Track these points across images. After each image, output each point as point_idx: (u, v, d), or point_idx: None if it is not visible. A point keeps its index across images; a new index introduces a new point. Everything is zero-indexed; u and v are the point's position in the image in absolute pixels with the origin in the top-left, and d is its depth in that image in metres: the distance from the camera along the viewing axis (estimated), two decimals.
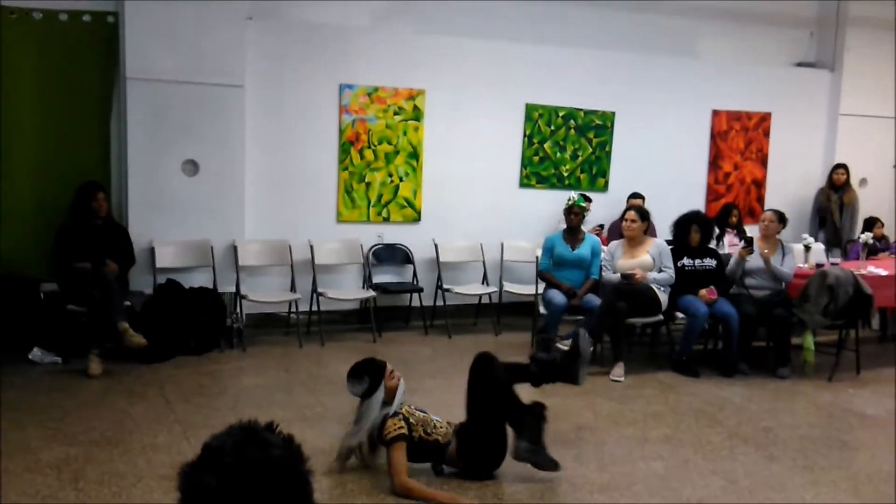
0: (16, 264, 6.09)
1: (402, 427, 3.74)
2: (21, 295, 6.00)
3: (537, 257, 6.64)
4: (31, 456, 3.92)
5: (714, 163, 8.76)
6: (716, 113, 8.68)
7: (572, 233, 6.45)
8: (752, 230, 7.67)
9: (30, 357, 5.70)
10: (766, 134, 8.97)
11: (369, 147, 7.19)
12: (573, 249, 6.40)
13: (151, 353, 5.69)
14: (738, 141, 8.85)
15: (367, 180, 7.22)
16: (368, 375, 3.90)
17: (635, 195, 7.70)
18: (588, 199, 7.41)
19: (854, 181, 8.86)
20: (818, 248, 7.87)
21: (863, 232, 8.32)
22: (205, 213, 6.48)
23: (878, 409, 5.38)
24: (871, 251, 7.97)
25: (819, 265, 6.73)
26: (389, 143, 7.25)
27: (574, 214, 6.40)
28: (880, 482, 4.07)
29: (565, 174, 8.02)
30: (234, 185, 6.58)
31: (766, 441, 4.63)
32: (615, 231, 7.44)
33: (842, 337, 6.34)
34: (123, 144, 6.29)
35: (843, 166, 8.73)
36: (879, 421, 5.16)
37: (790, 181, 8.95)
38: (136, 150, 6.26)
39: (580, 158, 8.06)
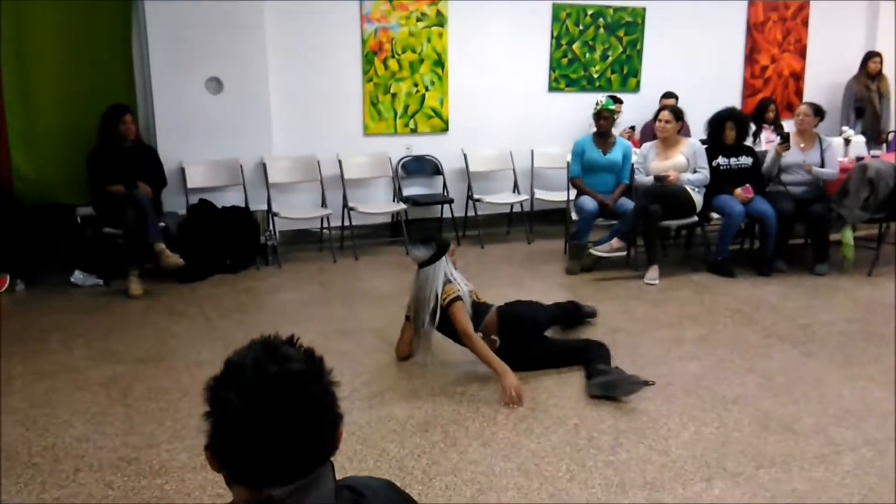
0: (51, 191, 6.15)
1: (458, 290, 3.92)
2: (58, 221, 6.10)
3: (568, 163, 6.54)
4: (80, 375, 4.04)
5: (750, 56, 8.47)
6: (752, 3, 8.34)
7: (603, 137, 6.32)
8: (790, 125, 7.46)
9: (72, 280, 5.82)
10: (805, 23, 8.62)
11: (393, 56, 7.05)
12: (604, 154, 6.29)
13: (189, 273, 5.79)
14: (776, 32, 8.52)
15: (392, 91, 7.11)
16: (436, 244, 4.02)
17: (668, 94, 7.51)
18: (618, 101, 7.25)
19: (890, 70, 8.51)
20: (858, 140, 7.65)
21: None
22: (232, 131, 6.46)
23: None
24: None
25: (859, 158, 6.55)
26: (413, 52, 7.10)
27: (603, 119, 6.26)
28: None
29: (595, 76, 7.82)
30: (258, 101, 6.53)
31: (804, 338, 4.61)
32: (648, 132, 7.29)
33: (881, 231, 6.22)
34: (146, 66, 6.24)
35: (878, 54, 8.38)
36: None
37: (830, 73, 8.64)
38: (159, 70, 6.21)
39: (610, 59, 7.84)
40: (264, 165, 6.58)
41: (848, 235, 6.15)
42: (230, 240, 6.18)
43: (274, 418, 1.09)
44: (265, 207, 6.53)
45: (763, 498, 2.84)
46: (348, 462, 3.07)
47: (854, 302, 5.38)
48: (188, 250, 5.80)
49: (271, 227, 6.54)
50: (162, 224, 5.81)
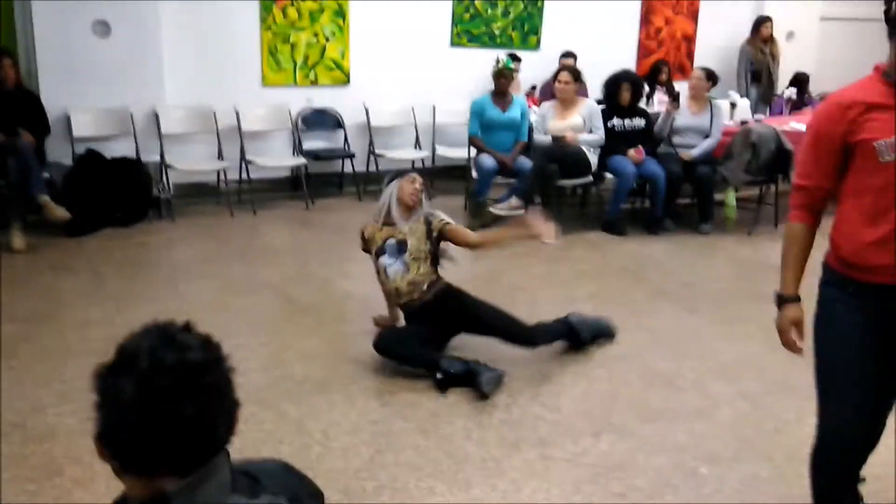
0: None
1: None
2: None
3: (469, 121, 6.57)
4: None
5: (646, 18, 8.67)
6: None
7: (501, 95, 6.37)
8: (681, 87, 7.71)
9: None
10: None
11: (292, 4, 6.86)
12: (503, 112, 6.35)
13: (76, 227, 5.55)
14: None
15: (291, 41, 6.93)
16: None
17: (567, 54, 7.61)
18: (517, 59, 7.30)
19: (779, 35, 8.88)
20: (744, 104, 7.99)
21: (788, 87, 8.46)
22: (121, 77, 6.16)
23: None
24: (794, 107, 8.15)
25: (744, 122, 6.86)
26: (314, 0, 6.93)
27: (504, 77, 6.30)
28: None
29: (497, 32, 7.84)
30: (149, 46, 6.23)
31: (687, 295, 4.86)
32: (547, 91, 7.39)
33: (762, 192, 6.56)
34: (28, 7, 5.85)
35: (769, 19, 8.72)
36: None
37: (720, 36, 8.94)
38: (42, 11, 5.83)
39: (511, 15, 7.87)
40: (156, 115, 6.33)
41: (731, 197, 6.46)
42: (120, 192, 5.94)
43: (170, 409, 1.07)
44: (158, 159, 6.30)
45: (646, 451, 3.01)
46: (245, 425, 3.04)
47: (735, 261, 5.69)
48: (75, 203, 5.56)
49: (164, 180, 6.32)
50: (46, 175, 5.54)
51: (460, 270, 4.02)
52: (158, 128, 6.32)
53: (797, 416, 3.27)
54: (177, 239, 5.77)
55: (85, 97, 6.07)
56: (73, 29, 5.95)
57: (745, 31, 8.90)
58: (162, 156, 6.30)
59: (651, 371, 3.72)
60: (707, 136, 6.36)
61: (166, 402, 1.07)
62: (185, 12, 6.44)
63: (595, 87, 7.01)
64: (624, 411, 3.33)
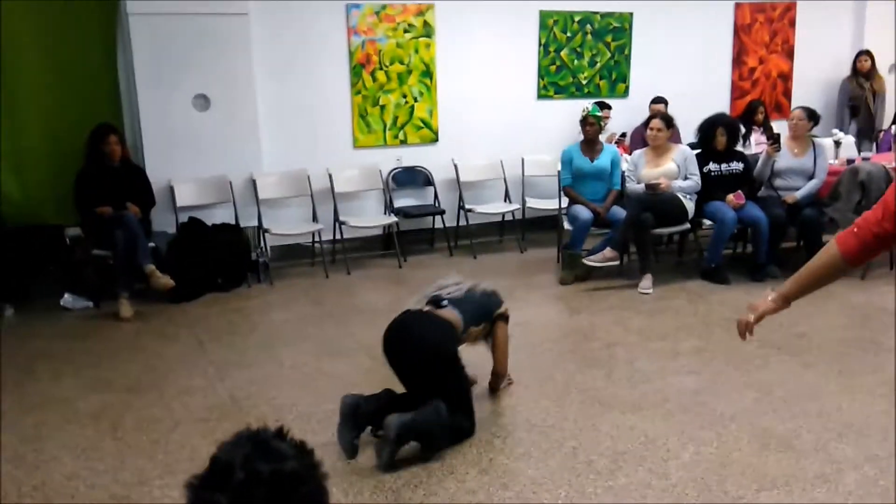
0: (38, 212, 6.09)
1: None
2: (47, 242, 6.04)
3: (559, 171, 6.51)
4: (69, 406, 3.98)
5: (738, 58, 8.46)
6: (738, 6, 8.32)
7: (590, 144, 6.29)
8: (778, 126, 7.45)
9: (61, 303, 5.76)
10: (792, 24, 8.62)
11: (381, 68, 7.00)
12: (592, 161, 6.25)
13: (180, 293, 5.73)
14: (763, 33, 8.51)
15: (381, 103, 7.07)
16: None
17: (658, 100, 7.48)
18: (606, 107, 7.23)
19: (882, 68, 8.51)
20: (848, 141, 7.65)
21: (894, 122, 8.06)
22: (220, 147, 6.40)
23: None
24: None
25: (850, 160, 6.54)
26: (401, 63, 7.06)
27: (589, 125, 6.22)
28: None
29: (584, 82, 7.79)
30: (246, 116, 6.47)
31: (800, 348, 4.59)
32: (638, 138, 7.26)
33: None
34: (132, 84, 6.18)
35: (867, 52, 8.39)
36: None
37: (818, 72, 8.64)
38: (146, 88, 6.15)
39: (598, 65, 7.81)
40: (254, 181, 6.53)
41: None
42: (221, 258, 6.12)
43: None
44: (255, 224, 6.48)
45: None
46: (344, 496, 3.02)
47: (849, 307, 5.36)
48: (179, 270, 5.75)
49: (262, 244, 6.48)
50: (152, 244, 5.75)
51: (554, 329, 3.92)
52: (256, 193, 6.51)
53: None
54: (274, 302, 5.87)
55: (187, 167, 6.32)
56: (175, 103, 6.23)
57: (845, 66, 8.57)
58: (259, 220, 6.47)
59: (765, 433, 3.50)
60: (811, 178, 6.09)
61: None
62: (280, 83, 6.67)
63: (687, 133, 6.85)
64: (738, 478, 3.12)
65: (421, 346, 3.42)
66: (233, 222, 6.39)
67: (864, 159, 6.50)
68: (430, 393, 3.34)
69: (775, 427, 3.55)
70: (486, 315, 3.79)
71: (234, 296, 6.02)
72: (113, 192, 5.68)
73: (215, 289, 6.05)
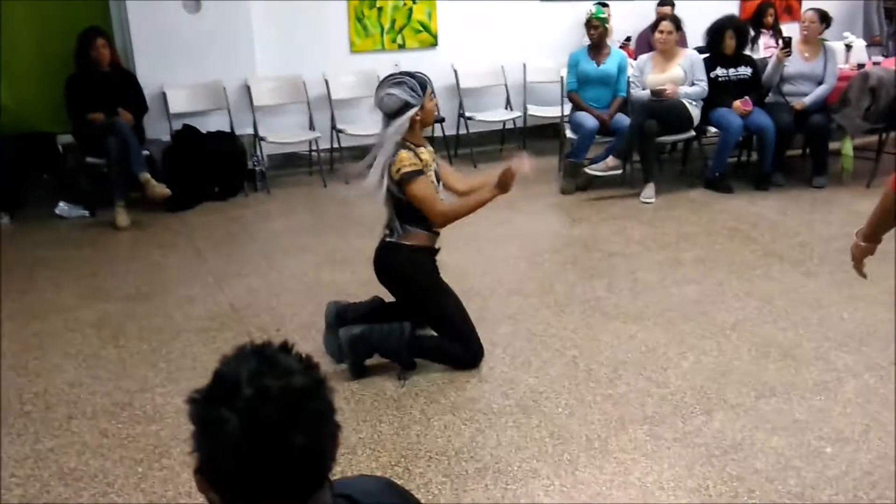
0: (30, 120, 5.97)
1: (416, 163, 3.16)
2: (39, 150, 5.95)
3: (562, 77, 6.33)
4: (70, 315, 3.98)
5: None
6: None
7: (596, 48, 6.08)
8: (789, 29, 7.22)
9: (56, 212, 5.70)
10: None
11: None
12: (598, 66, 6.07)
13: (176, 202, 5.66)
14: None
15: (378, 5, 6.82)
16: (411, 84, 3.16)
17: (665, 2, 7.21)
18: (605, 5, 6.99)
19: None
20: (860, 45, 7.42)
21: None
22: (212, 51, 6.19)
23: None
24: None
25: (860, 65, 6.36)
26: None
27: (593, 28, 6.00)
28: None
29: None
30: (238, 19, 6.24)
31: (802, 256, 4.56)
32: (643, 43, 7.05)
33: (882, 140, 6.09)
34: None
35: None
36: None
37: None
38: None
39: None
40: (248, 87, 6.36)
41: (848, 146, 6.03)
42: (217, 166, 6.02)
43: (279, 441, 0.98)
44: (251, 131, 6.34)
45: (764, 430, 2.82)
46: (345, 402, 3.04)
47: (853, 215, 5.27)
48: (175, 178, 5.67)
49: (258, 152, 6.36)
50: (146, 152, 5.65)
51: (555, 239, 3.87)
52: (251, 100, 6.35)
53: None
54: (272, 211, 5.81)
55: (179, 74, 6.13)
56: (165, 7, 6.00)
57: None
58: (255, 128, 6.33)
59: (766, 342, 3.50)
60: (820, 83, 5.93)
61: (275, 434, 0.98)
62: None
63: (694, 36, 6.63)
64: (737, 386, 3.13)
65: (388, 279, 3.36)
66: (228, 130, 6.25)
67: (875, 64, 6.31)
68: (413, 315, 3.32)
69: (776, 336, 3.55)
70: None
71: (231, 204, 5.96)
72: (104, 98, 5.53)
73: (212, 197, 5.98)
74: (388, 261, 3.33)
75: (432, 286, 3.31)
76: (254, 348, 1.05)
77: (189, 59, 6.13)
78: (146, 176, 5.41)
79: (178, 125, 6.13)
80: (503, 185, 3.26)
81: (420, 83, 3.19)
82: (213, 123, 6.25)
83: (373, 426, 2.91)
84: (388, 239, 3.33)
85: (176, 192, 5.55)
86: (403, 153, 3.15)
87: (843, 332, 3.58)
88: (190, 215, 5.67)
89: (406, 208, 3.22)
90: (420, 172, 3.16)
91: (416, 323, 3.34)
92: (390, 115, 3.17)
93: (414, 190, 3.15)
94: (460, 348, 3.32)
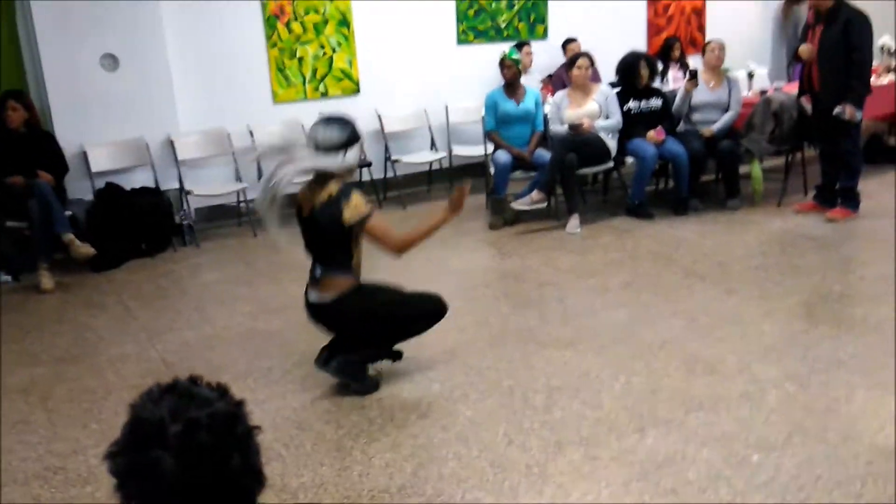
0: None
1: (365, 200, 3.29)
2: None
3: (482, 116, 6.50)
4: None
5: None
6: None
7: (512, 87, 6.28)
8: (695, 61, 7.57)
9: None
10: None
11: (296, 19, 6.83)
12: (517, 104, 6.26)
13: (102, 261, 5.57)
14: None
15: (298, 55, 6.91)
16: (349, 128, 3.35)
17: (571, 40, 7.51)
18: (524, 44, 7.23)
19: None
20: (761, 73, 7.83)
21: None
22: (133, 108, 6.17)
23: (826, 230, 5.52)
24: None
25: (763, 92, 6.71)
26: (316, 13, 6.89)
27: (507, 68, 6.19)
28: (832, 302, 4.23)
29: (503, 25, 7.75)
30: (159, 75, 6.24)
31: (722, 275, 4.75)
32: (558, 80, 7.30)
33: (788, 161, 6.41)
34: (34, 46, 5.88)
35: None
36: (828, 241, 5.30)
37: (730, 5, 8.77)
38: (49, 49, 5.85)
39: (516, 6, 7.77)
40: (172, 142, 6.34)
41: (756, 169, 6.32)
42: (143, 223, 5.95)
43: (216, 465, 1.00)
44: (177, 186, 6.31)
45: (694, 443, 2.93)
46: (285, 449, 3.03)
47: (767, 234, 5.56)
48: (99, 237, 5.59)
49: (185, 206, 6.32)
50: (68, 212, 5.56)
51: (487, 273, 3.96)
52: (175, 155, 6.33)
53: (847, 394, 3.18)
54: (203, 264, 5.77)
55: (99, 131, 6.08)
56: (81, 65, 5.97)
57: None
58: (181, 182, 6.30)
59: (692, 358, 3.63)
60: (727, 110, 6.24)
61: (213, 460, 1.00)
62: (191, 38, 6.44)
63: (605, 72, 6.91)
64: (667, 403, 3.24)
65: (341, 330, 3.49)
66: (153, 185, 6.21)
67: (777, 90, 6.67)
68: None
69: (701, 352, 3.69)
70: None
71: (159, 260, 5.89)
72: (22, 161, 5.44)
73: (140, 254, 5.90)
74: (332, 321, 3.45)
75: (376, 307, 3.38)
76: (164, 387, 1.07)
77: (109, 117, 6.10)
78: (70, 236, 5.32)
79: (100, 183, 6.05)
80: (455, 204, 3.41)
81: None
82: (138, 180, 6.20)
83: (314, 470, 2.91)
84: (316, 300, 3.42)
85: (101, 251, 5.48)
86: (356, 196, 3.27)
87: (764, 344, 3.74)
88: (117, 274, 5.58)
89: (332, 251, 3.34)
90: (371, 208, 3.31)
91: None
92: (332, 149, 3.29)
93: (374, 227, 3.29)
94: (424, 308, 3.45)
